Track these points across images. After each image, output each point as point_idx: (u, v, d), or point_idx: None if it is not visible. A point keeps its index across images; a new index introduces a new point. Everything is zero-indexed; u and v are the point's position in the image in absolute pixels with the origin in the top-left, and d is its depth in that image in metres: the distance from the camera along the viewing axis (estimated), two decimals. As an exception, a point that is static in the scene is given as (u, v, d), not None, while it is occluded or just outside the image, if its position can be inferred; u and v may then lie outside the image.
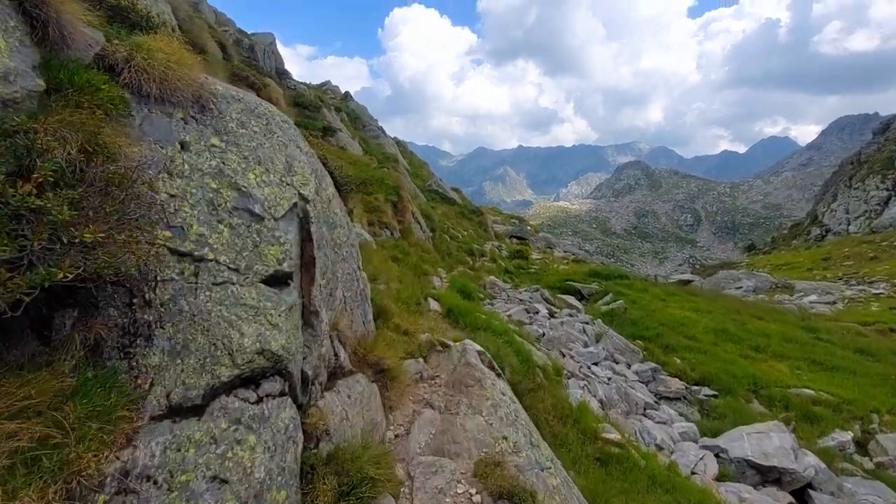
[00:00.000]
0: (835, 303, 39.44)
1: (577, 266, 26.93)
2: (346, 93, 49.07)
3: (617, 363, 12.15)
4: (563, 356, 11.52)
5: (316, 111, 24.05)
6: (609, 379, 10.54)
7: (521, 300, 17.01)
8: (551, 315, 15.74)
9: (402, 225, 16.59)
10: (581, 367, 11.00)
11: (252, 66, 20.94)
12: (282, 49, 29.53)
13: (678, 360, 13.34)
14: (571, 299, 19.30)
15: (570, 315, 17.01)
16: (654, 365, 12.25)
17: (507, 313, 12.74)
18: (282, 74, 25.15)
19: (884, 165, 66.10)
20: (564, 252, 39.13)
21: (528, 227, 40.02)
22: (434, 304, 10.25)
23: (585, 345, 13.36)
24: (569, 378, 9.77)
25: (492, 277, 18.86)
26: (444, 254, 19.59)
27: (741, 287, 47.45)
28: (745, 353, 14.93)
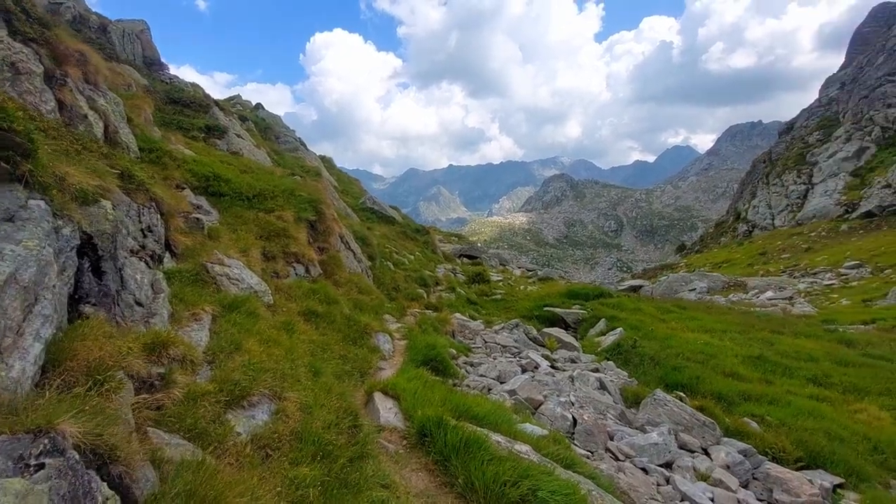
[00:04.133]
0: (792, 297, 38.59)
1: (547, 286, 22.65)
2: (258, 104, 42.79)
3: (692, 452, 7.51)
4: (617, 459, 6.68)
5: (201, 110, 18.04)
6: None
7: (504, 347, 12.11)
8: (553, 366, 10.96)
9: (326, 253, 11.15)
10: (657, 480, 6.21)
11: (88, 41, 14.73)
12: (198, 77, 24.22)
13: (753, 423, 9.03)
14: (561, 333, 14.72)
15: (572, 360, 12.36)
16: (745, 446, 7.74)
17: (508, 388, 7.68)
18: (152, 65, 18.91)
19: (797, 161, 70.01)
20: (520, 268, 35.09)
21: (478, 244, 35.59)
22: (388, 413, 4.99)
23: (622, 416, 8.68)
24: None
25: (457, 316, 13.83)
26: (391, 288, 14.29)
27: (695, 289, 46.05)
28: (813, 392, 11.04)
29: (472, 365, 9.61)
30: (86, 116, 7.05)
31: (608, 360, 13.09)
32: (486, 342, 12.42)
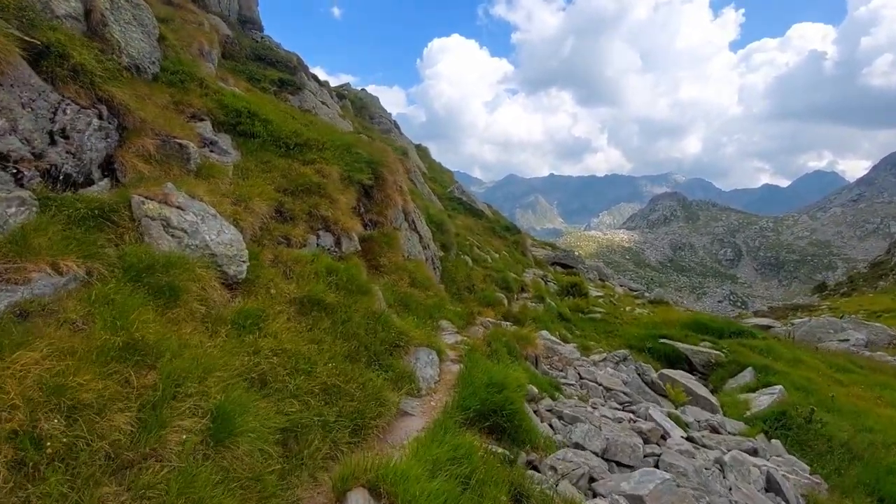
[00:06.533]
0: None
1: (662, 311, 18.03)
2: (363, 89, 42.79)
3: None
4: None
5: (287, 70, 16.61)
6: None
7: (608, 390, 8.46)
8: (689, 437, 7.10)
9: (378, 228, 8.46)
10: None
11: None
12: (326, 76, 24.56)
13: None
14: (689, 380, 10.55)
15: (713, 428, 8.28)
16: None
17: (629, 491, 4.21)
18: (245, 23, 17.99)
19: None
20: (622, 286, 30.12)
21: (577, 253, 31.21)
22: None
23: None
24: None
25: (544, 334, 10.39)
26: (463, 288, 11.28)
27: (848, 339, 36.83)
28: None
29: (560, 417, 6.19)
30: (43, -18, 4.96)
31: (765, 433, 8.78)
32: (581, 377, 8.85)
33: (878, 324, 41.42)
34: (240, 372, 3.05)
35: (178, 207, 4.07)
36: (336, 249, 6.56)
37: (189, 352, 2.70)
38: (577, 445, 5.31)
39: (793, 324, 43.18)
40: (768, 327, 36.93)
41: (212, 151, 6.64)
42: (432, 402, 4.65)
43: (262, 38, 17.88)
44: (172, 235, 3.82)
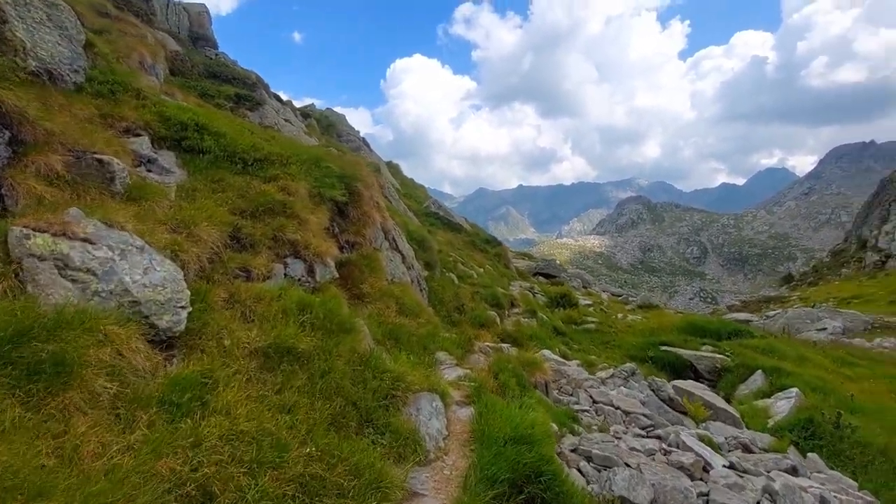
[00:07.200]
0: (974, 350, 29.48)
1: (655, 316, 17.44)
2: (328, 108, 41.75)
3: None
4: None
5: (246, 87, 15.46)
6: None
7: (627, 413, 7.56)
8: (731, 465, 6.23)
9: (357, 250, 7.40)
10: None
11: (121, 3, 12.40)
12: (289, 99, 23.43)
13: None
14: (705, 391, 9.77)
15: (743, 445, 7.48)
16: None
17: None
18: (197, 40, 16.82)
19: (947, 180, 57.33)
20: (605, 292, 29.68)
21: (558, 262, 30.66)
22: None
23: None
24: None
25: (546, 354, 9.45)
26: (452, 308, 10.27)
27: (825, 328, 37.49)
28: None
29: (589, 459, 5.22)
30: None
31: (795, 444, 8.05)
32: (594, 401, 7.93)
33: (850, 311, 42.39)
34: (169, 486, 1.96)
35: (84, 240, 2.96)
36: (309, 279, 5.47)
37: (67, 475, 1.62)
38: (622, 500, 4.35)
39: (767, 316, 43.71)
40: (747, 321, 37.18)
41: (149, 171, 5.51)
42: (445, 470, 3.60)
43: (216, 54, 16.73)
44: (73, 280, 2.71)
